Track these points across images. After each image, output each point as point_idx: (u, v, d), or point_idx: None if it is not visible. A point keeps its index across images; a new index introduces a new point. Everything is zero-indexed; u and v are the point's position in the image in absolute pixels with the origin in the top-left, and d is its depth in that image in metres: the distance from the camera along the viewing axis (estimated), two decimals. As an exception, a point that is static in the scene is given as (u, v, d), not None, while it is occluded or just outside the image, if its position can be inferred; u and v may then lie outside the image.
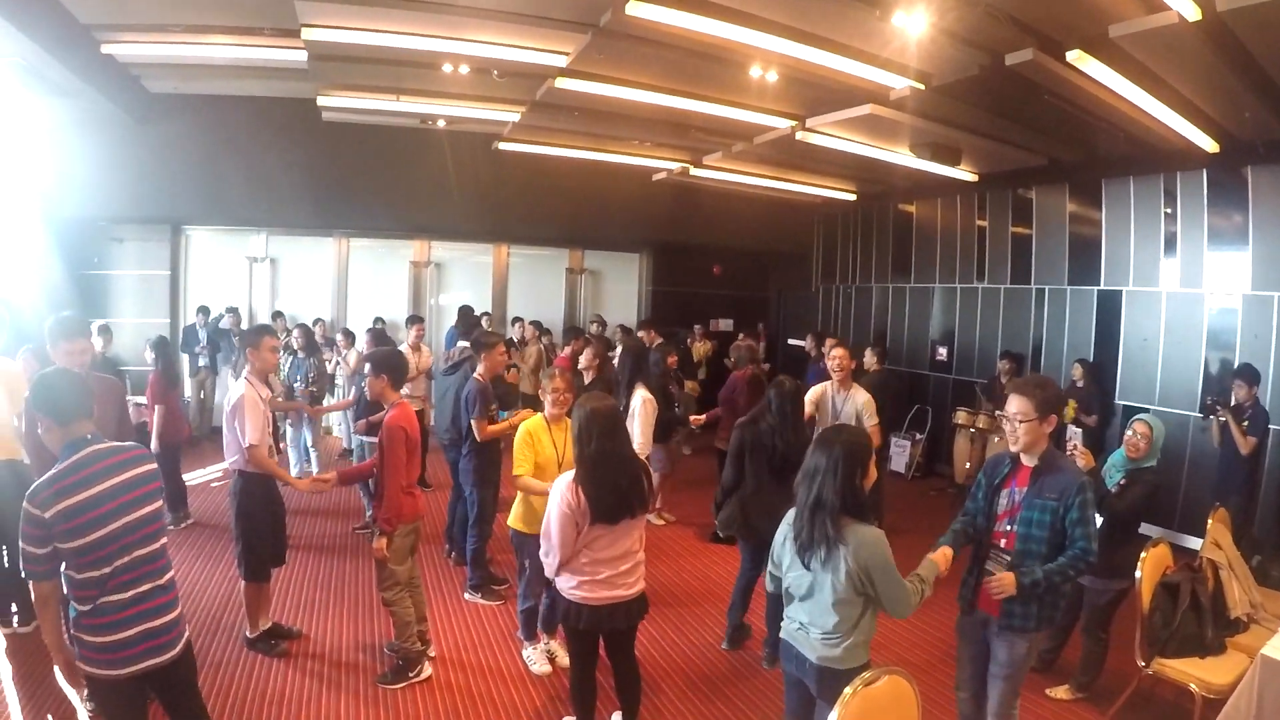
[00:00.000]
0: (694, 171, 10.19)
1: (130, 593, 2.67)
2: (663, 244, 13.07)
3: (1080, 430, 7.15)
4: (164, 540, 2.85)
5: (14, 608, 4.82)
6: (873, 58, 5.63)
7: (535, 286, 12.67)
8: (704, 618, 5.53)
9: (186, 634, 2.91)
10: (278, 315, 10.50)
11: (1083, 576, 3.37)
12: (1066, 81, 5.36)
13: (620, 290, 13.36)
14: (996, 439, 8.16)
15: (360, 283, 11.76)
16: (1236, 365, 6.50)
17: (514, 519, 4.53)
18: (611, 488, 3.37)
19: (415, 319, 8.54)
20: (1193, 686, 3.87)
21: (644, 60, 6.17)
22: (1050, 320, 8.81)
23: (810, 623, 2.93)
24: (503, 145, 9.66)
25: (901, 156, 8.22)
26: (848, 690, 2.50)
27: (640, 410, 6.15)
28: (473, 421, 5.41)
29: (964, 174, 8.84)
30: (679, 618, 5.51)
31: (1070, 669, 4.58)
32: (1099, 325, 8.28)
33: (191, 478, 8.04)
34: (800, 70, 5.93)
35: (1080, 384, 7.73)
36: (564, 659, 4.65)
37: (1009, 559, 3.22)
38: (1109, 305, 8.17)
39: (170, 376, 6.68)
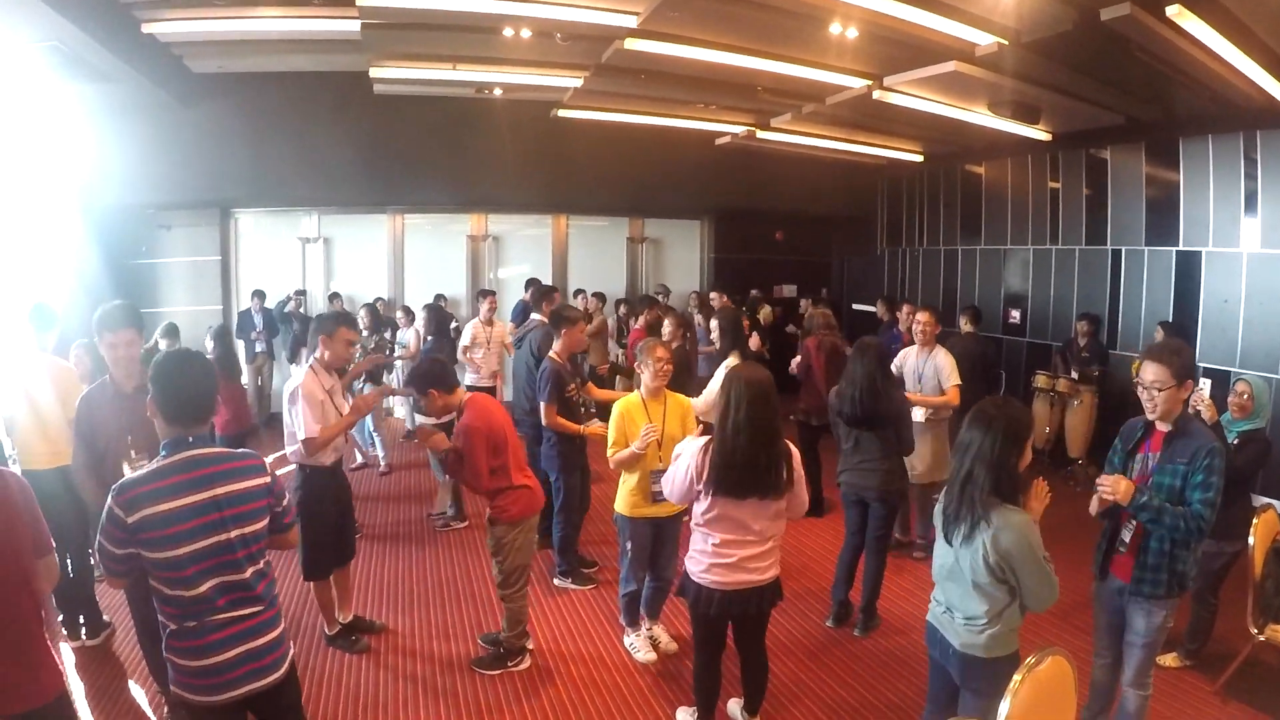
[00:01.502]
0: (760, 134, 10.21)
1: (224, 615, 2.47)
2: (724, 210, 13.06)
3: (1209, 383, 7.14)
4: (266, 560, 2.62)
5: (81, 619, 4.67)
6: (960, 12, 5.64)
7: (595, 257, 12.69)
8: (802, 594, 5.54)
9: (291, 653, 2.72)
10: (334, 297, 10.59)
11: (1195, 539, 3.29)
12: (1159, 37, 5.37)
13: (682, 258, 13.41)
14: (1076, 403, 8.27)
15: (417, 260, 11.82)
16: None
17: (619, 503, 4.55)
18: (748, 463, 3.29)
19: (486, 292, 8.53)
20: (1306, 649, 3.94)
21: (717, 18, 6.16)
22: (1127, 282, 8.84)
23: (953, 606, 2.96)
24: (562, 112, 9.68)
25: (978, 115, 8.22)
26: (1017, 677, 2.56)
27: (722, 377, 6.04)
28: (541, 404, 5.34)
29: (1038, 133, 8.83)
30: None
31: (1177, 636, 4.51)
32: (1177, 287, 8.31)
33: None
34: (883, 26, 5.90)
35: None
36: (668, 644, 4.78)
37: (1133, 524, 3.34)
38: (1188, 266, 8.19)
39: (228, 366, 6.45)
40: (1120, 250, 8.90)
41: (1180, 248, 8.24)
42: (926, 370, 6.03)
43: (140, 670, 4.28)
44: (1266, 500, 4.53)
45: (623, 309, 11.41)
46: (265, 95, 10.04)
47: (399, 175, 11.03)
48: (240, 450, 2.68)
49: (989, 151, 10.51)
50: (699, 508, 3.48)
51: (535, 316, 6.68)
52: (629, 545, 4.53)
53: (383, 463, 8.40)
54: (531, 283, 10.50)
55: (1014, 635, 2.91)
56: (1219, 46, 5.32)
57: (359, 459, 8.37)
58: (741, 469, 3.30)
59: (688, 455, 3.47)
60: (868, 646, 4.88)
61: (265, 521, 2.60)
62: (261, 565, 2.59)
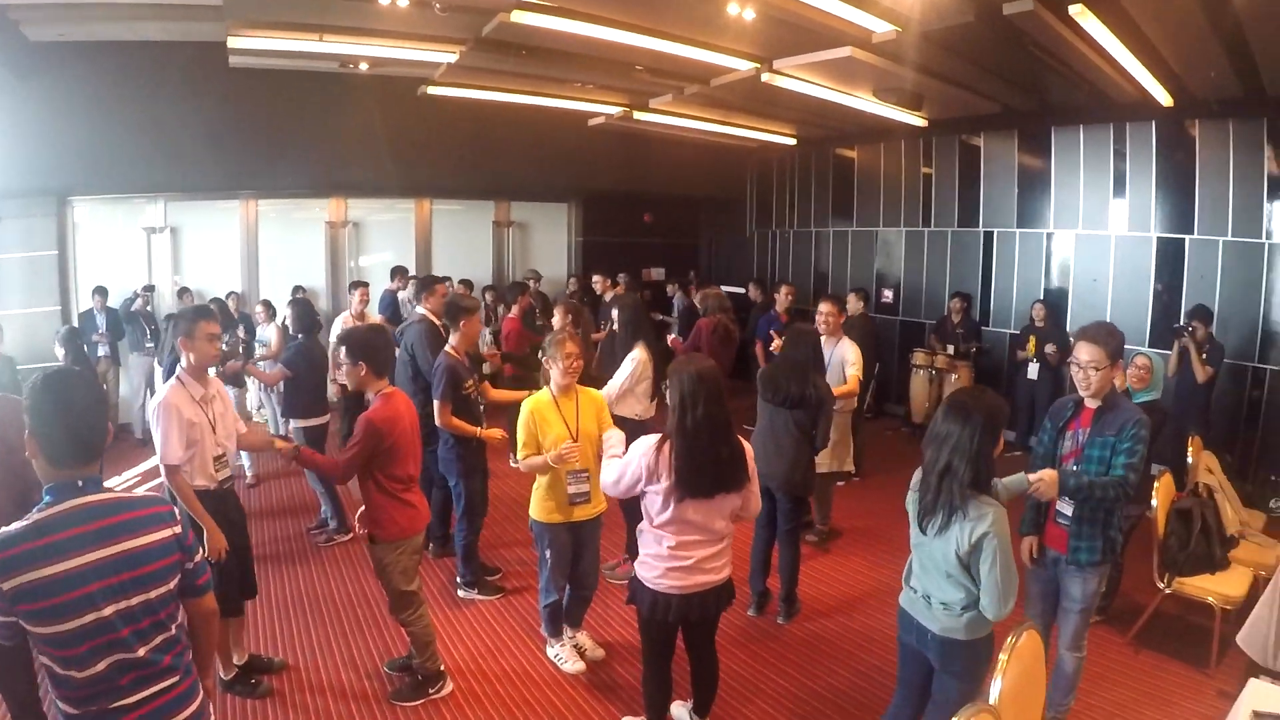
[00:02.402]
0: (637, 116, 10.09)
1: (130, 699, 2.06)
2: (592, 193, 12.97)
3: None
4: (179, 624, 2.21)
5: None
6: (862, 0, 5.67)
7: (460, 242, 12.31)
8: None
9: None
10: (184, 292, 9.66)
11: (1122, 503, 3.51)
12: (1055, 33, 5.60)
13: (549, 242, 13.21)
14: (954, 377, 8.72)
15: (272, 249, 11.01)
16: (1191, 306, 7.14)
17: (534, 508, 4.32)
18: (713, 459, 3.21)
19: (358, 283, 8.01)
20: (1211, 600, 4.36)
21: (613, -8, 5.94)
22: (999, 262, 9.36)
23: (930, 593, 2.99)
24: (431, 90, 9.20)
25: (861, 101, 8.39)
26: (1003, 656, 2.65)
27: (629, 369, 5.53)
28: (435, 403, 4.99)
29: (915, 119, 9.14)
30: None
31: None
32: (1049, 267, 8.88)
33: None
34: (781, 9, 5.83)
35: (1041, 324, 8.31)
36: (594, 651, 4.62)
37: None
38: (1059, 248, 8.77)
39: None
40: (993, 232, 9.40)
41: (1052, 230, 8.79)
42: (833, 360, 6.07)
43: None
44: (1160, 466, 4.86)
45: (489, 296, 11.05)
46: (108, 68, 9.12)
47: (253, 157, 10.24)
48: (141, 496, 2.24)
49: (863, 135, 10.81)
50: (655, 511, 3.32)
51: (419, 310, 6.28)
52: (548, 553, 4.32)
53: (249, 473, 7.68)
54: (398, 271, 10.07)
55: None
56: (1110, 45, 5.60)
57: (249, 476, 7.66)
58: (708, 467, 3.21)
59: (638, 455, 3.30)
60: (794, 632, 4.97)
61: (174, 582, 2.17)
62: (173, 631, 2.17)
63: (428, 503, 4.47)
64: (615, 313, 6.00)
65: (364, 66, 8.53)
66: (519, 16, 6.24)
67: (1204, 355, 6.55)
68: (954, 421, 2.84)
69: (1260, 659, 4.04)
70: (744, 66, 7.62)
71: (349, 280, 10.23)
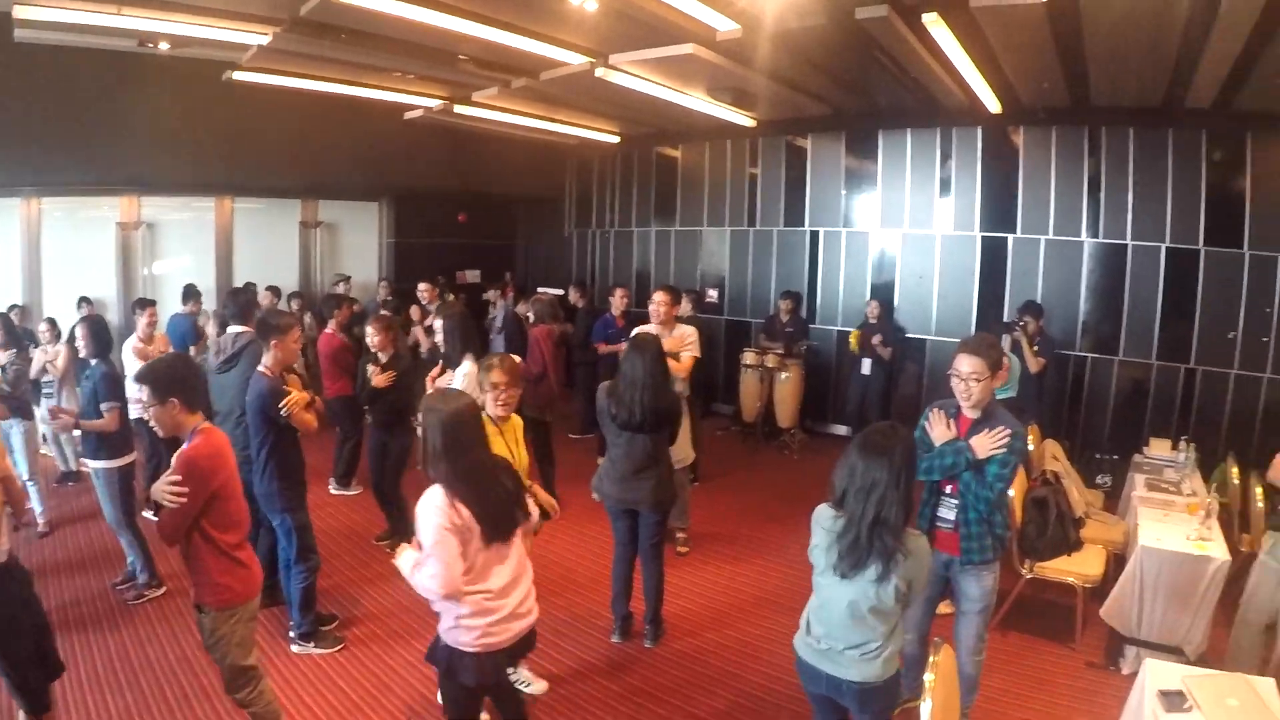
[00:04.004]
0: (459, 109, 9.72)
1: None
2: (405, 191, 12.50)
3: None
4: None
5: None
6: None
7: (264, 245, 11.55)
8: (582, 615, 5.31)
9: None
10: None
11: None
12: (903, 40, 5.86)
13: (359, 243, 12.69)
14: (784, 376, 8.98)
15: (56, 255, 9.88)
16: (1014, 301, 7.87)
17: None
18: (501, 497, 3.07)
19: (144, 302, 7.15)
20: (1072, 580, 4.73)
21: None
22: (826, 261, 9.77)
23: (836, 643, 2.92)
24: (238, 75, 8.36)
25: (692, 99, 8.45)
26: (929, 676, 2.80)
27: (463, 385, 5.11)
28: (291, 422, 4.58)
29: (744, 120, 9.34)
30: (555, 613, 5.15)
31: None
32: (875, 264, 9.38)
33: None
34: (625, 2, 5.75)
35: (875, 320, 8.71)
36: (536, 685, 4.42)
37: (955, 503, 3.63)
38: (885, 246, 9.29)
39: None
40: (819, 231, 9.81)
41: (879, 229, 9.31)
42: (672, 345, 5.98)
43: None
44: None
45: (295, 304, 10.30)
46: None
47: (35, 148, 8.93)
48: None
49: (687, 135, 10.96)
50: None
51: (233, 329, 5.59)
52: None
53: (40, 520, 6.59)
54: (190, 293, 9.13)
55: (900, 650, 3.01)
56: (954, 54, 5.94)
57: (40, 523, 6.58)
58: (502, 502, 3.07)
59: (433, 517, 2.92)
60: (663, 655, 4.84)
61: None
62: None
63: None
64: (438, 323, 5.66)
65: (165, 46, 7.68)
66: (346, -6, 5.79)
67: (1035, 348, 7.14)
68: (878, 468, 2.80)
69: (1123, 629, 4.45)
70: (578, 60, 7.48)
71: (141, 291, 9.34)
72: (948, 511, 3.65)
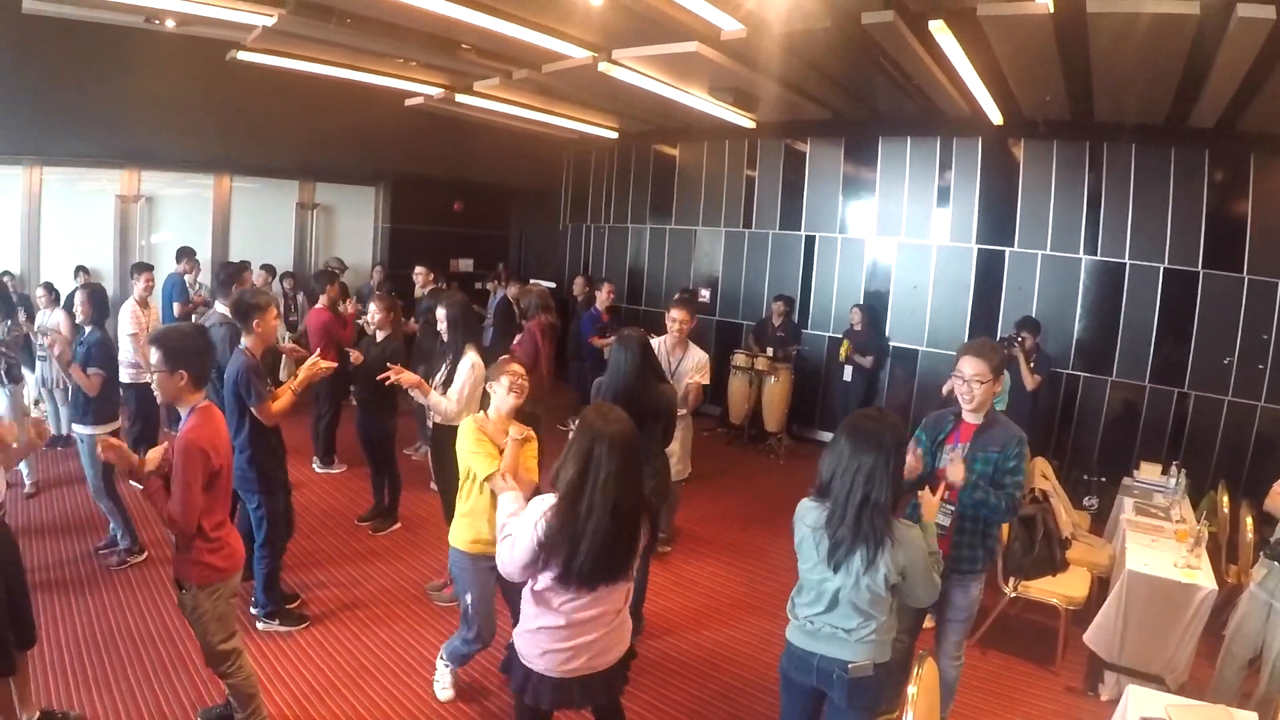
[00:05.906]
0: (460, 98, 9.67)
1: None
2: (402, 177, 12.55)
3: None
4: None
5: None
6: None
7: (260, 224, 11.57)
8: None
9: None
10: None
11: (1009, 517, 3.71)
12: (908, 46, 5.82)
13: (354, 227, 12.73)
14: (773, 379, 8.95)
15: (56, 224, 9.92)
16: (1010, 316, 7.81)
17: (456, 535, 3.84)
18: (602, 548, 2.70)
19: (142, 266, 7.20)
20: (1056, 601, 4.69)
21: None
22: (820, 266, 9.73)
23: (846, 628, 2.87)
24: (242, 55, 8.32)
25: (694, 98, 8.41)
26: (912, 689, 2.78)
27: (469, 375, 5.12)
28: (253, 409, 4.53)
29: (744, 121, 9.28)
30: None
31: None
32: (870, 272, 9.34)
33: None
34: None
35: (859, 328, 8.72)
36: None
37: (953, 509, 3.60)
38: (880, 254, 9.25)
39: None
40: (815, 236, 9.77)
41: (875, 237, 9.26)
42: (681, 368, 5.69)
43: None
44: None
45: (287, 284, 10.46)
46: None
47: (41, 118, 9.10)
48: None
49: (686, 133, 10.90)
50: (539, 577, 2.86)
51: (219, 308, 5.64)
52: (469, 599, 3.84)
53: (27, 482, 6.64)
54: (184, 253, 9.16)
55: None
56: (960, 62, 5.90)
57: (27, 485, 6.63)
58: (602, 553, 2.71)
59: (528, 523, 2.76)
60: (642, 653, 4.77)
61: None
62: None
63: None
64: (441, 311, 5.58)
65: (171, 24, 7.76)
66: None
67: (1032, 364, 7.10)
68: (866, 452, 2.77)
69: (1106, 655, 4.42)
70: (581, 54, 7.45)
71: (137, 258, 9.44)
72: (941, 517, 3.60)
